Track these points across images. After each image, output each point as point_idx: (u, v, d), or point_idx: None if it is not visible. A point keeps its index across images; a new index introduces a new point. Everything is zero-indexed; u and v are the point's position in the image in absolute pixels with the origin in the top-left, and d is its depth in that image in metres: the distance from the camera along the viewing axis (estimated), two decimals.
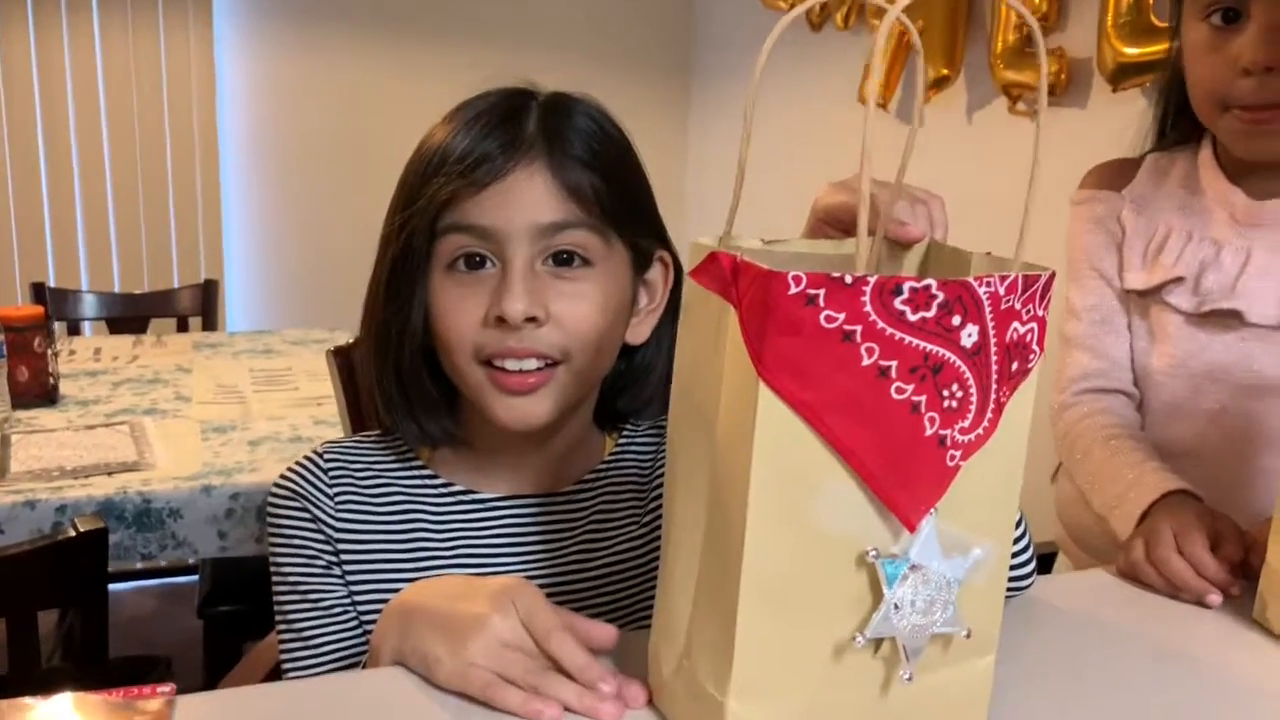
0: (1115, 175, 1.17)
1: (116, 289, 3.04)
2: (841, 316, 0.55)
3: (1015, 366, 0.60)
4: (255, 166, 3.30)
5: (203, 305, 2.82)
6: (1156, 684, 0.74)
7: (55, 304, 2.64)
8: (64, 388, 2.08)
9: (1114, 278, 1.14)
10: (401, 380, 0.83)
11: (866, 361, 0.56)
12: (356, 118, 3.30)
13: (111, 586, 2.76)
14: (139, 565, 2.63)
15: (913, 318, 0.55)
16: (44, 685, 0.69)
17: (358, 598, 0.83)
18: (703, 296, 0.60)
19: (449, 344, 0.80)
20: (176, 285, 3.04)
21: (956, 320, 0.56)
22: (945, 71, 2.65)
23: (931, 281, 0.55)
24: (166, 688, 0.65)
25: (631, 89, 3.54)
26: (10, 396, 1.94)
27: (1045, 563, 1.20)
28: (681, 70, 3.80)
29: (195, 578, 2.29)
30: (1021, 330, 0.60)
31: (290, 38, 3.25)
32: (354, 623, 0.83)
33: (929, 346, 0.56)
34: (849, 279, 0.54)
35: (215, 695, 0.68)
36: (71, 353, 2.38)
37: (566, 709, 0.64)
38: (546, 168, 0.78)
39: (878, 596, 0.59)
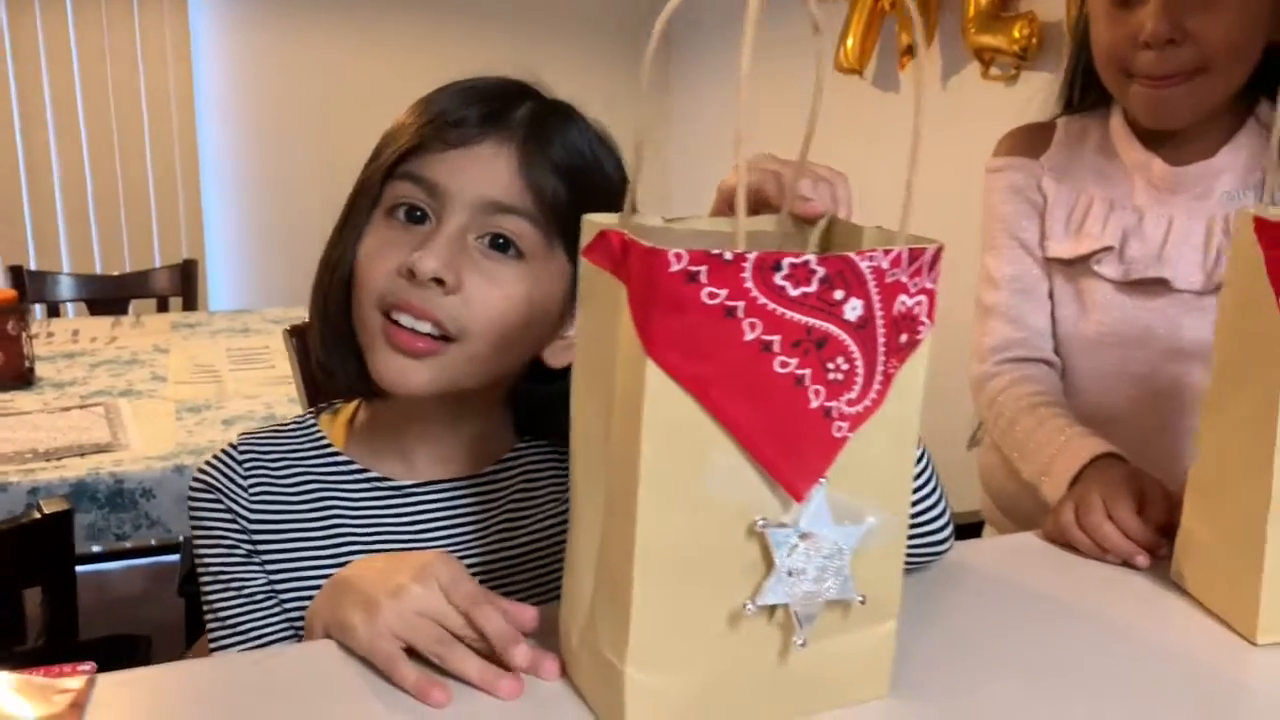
0: (1030, 142, 1.18)
1: (98, 270, 3.05)
2: (723, 293, 0.56)
3: (904, 339, 0.61)
4: (234, 144, 3.30)
5: (182, 285, 2.83)
6: (1069, 644, 0.75)
7: (34, 287, 2.65)
8: (41, 370, 2.09)
9: (1035, 247, 1.15)
10: (328, 316, 0.83)
11: (749, 336, 0.57)
12: (336, 94, 3.30)
13: (98, 566, 2.81)
14: (129, 544, 2.66)
15: (793, 293, 0.57)
16: (22, 664, 0.70)
17: (279, 586, 0.84)
18: (597, 274, 0.62)
19: (360, 285, 0.80)
20: (158, 265, 3.05)
21: (839, 295, 0.58)
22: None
23: (810, 257, 0.56)
24: (86, 666, 0.67)
25: (602, 60, 3.53)
26: None
27: (971, 533, 1.22)
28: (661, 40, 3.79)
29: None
30: (909, 303, 0.61)
31: (267, 15, 3.24)
32: (277, 609, 0.84)
33: (811, 321, 0.57)
34: (729, 256, 0.55)
35: (133, 674, 0.69)
36: (50, 335, 2.40)
37: (468, 682, 0.66)
38: (517, 154, 0.79)
39: (770, 565, 0.60)
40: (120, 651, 1.64)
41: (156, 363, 2.21)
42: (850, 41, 2.82)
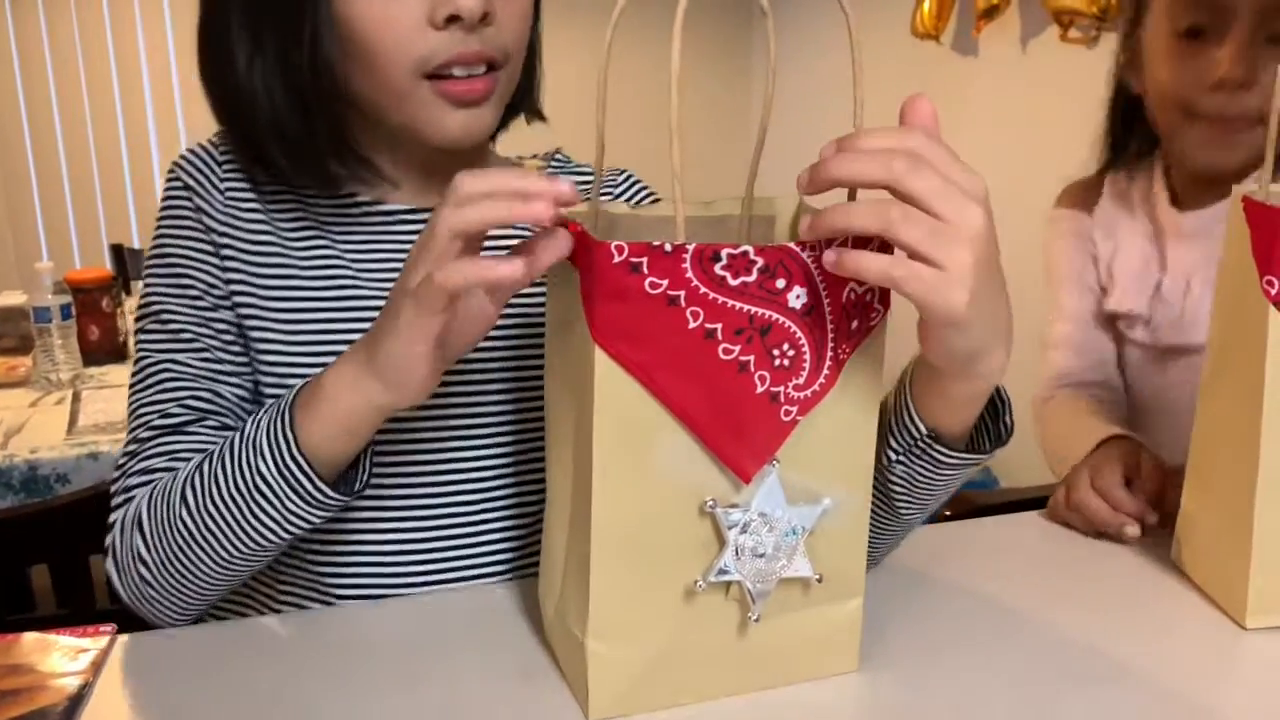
0: (1084, 198, 1.19)
1: None
2: (665, 283, 0.58)
3: (856, 324, 0.62)
4: None
5: None
6: (1053, 624, 0.75)
7: (135, 264, 2.79)
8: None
9: (1096, 288, 1.17)
10: (310, 113, 0.75)
11: (693, 325, 0.59)
12: None
13: None
14: None
15: (734, 282, 0.58)
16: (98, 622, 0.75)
17: (243, 310, 0.79)
18: (562, 261, 0.64)
19: (378, 56, 0.72)
20: None
21: (781, 284, 0.59)
22: (996, 1, 2.58)
23: (749, 248, 0.58)
24: (108, 627, 0.72)
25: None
26: (81, 354, 2.08)
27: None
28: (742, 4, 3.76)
29: None
30: (860, 290, 0.62)
31: None
32: (220, 332, 0.79)
33: (754, 309, 0.59)
34: (669, 247, 0.57)
35: (153, 635, 0.75)
36: None
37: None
38: None
39: (723, 543, 0.62)
40: None
41: None
42: (926, 6, 2.76)
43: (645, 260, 0.57)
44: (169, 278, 0.81)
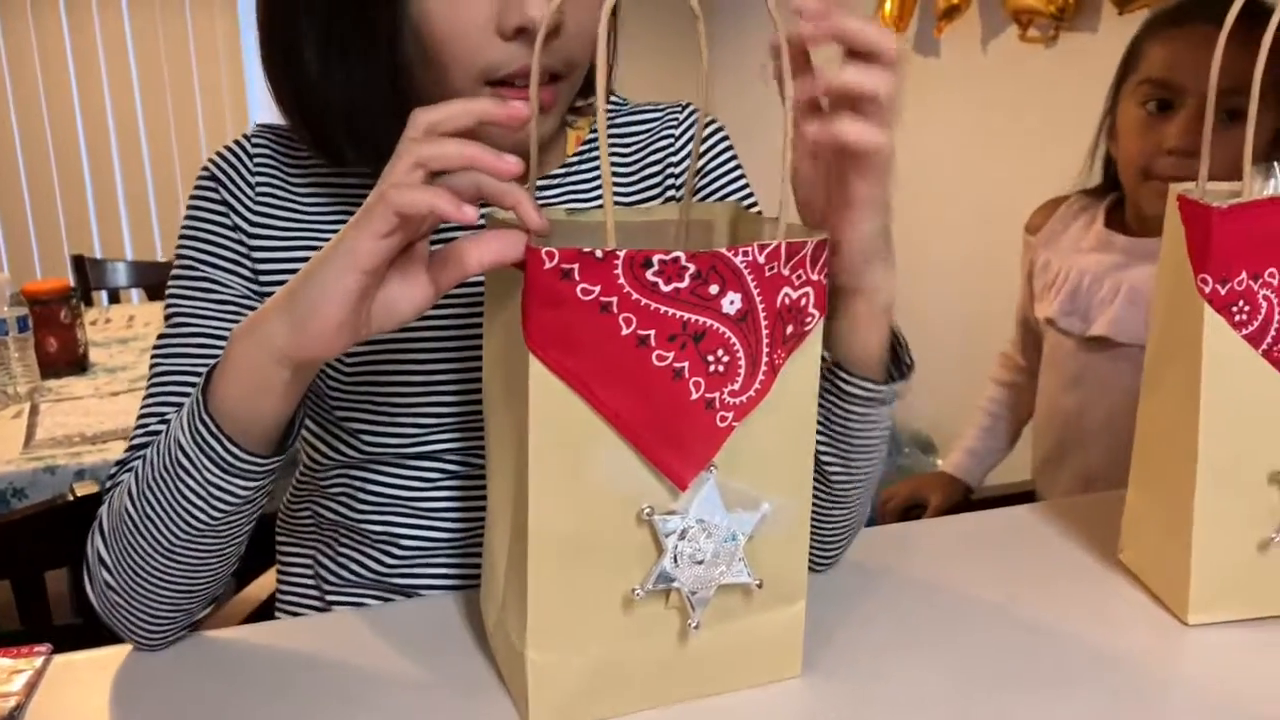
0: (1041, 216, 1.44)
1: (159, 258, 3.17)
2: (597, 289, 0.57)
3: (790, 330, 0.62)
4: None
5: None
6: (997, 627, 0.76)
7: (95, 274, 2.76)
8: (95, 356, 2.19)
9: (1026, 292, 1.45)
10: (382, 111, 0.72)
11: (625, 331, 0.58)
12: None
13: None
14: None
15: (666, 288, 0.58)
16: (56, 640, 0.74)
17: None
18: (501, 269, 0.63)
19: (445, 60, 0.71)
20: None
21: (714, 289, 0.59)
22: (956, 0, 2.59)
23: (681, 254, 0.58)
24: (43, 648, 0.71)
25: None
26: (40, 367, 2.05)
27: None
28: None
29: None
30: (794, 295, 0.61)
31: None
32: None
33: (686, 315, 0.59)
34: (600, 253, 0.57)
35: (90, 654, 0.74)
36: (107, 321, 2.50)
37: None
38: None
39: (661, 551, 0.62)
40: None
41: None
42: (889, 5, 2.77)
43: (576, 267, 0.57)
44: (190, 281, 0.79)
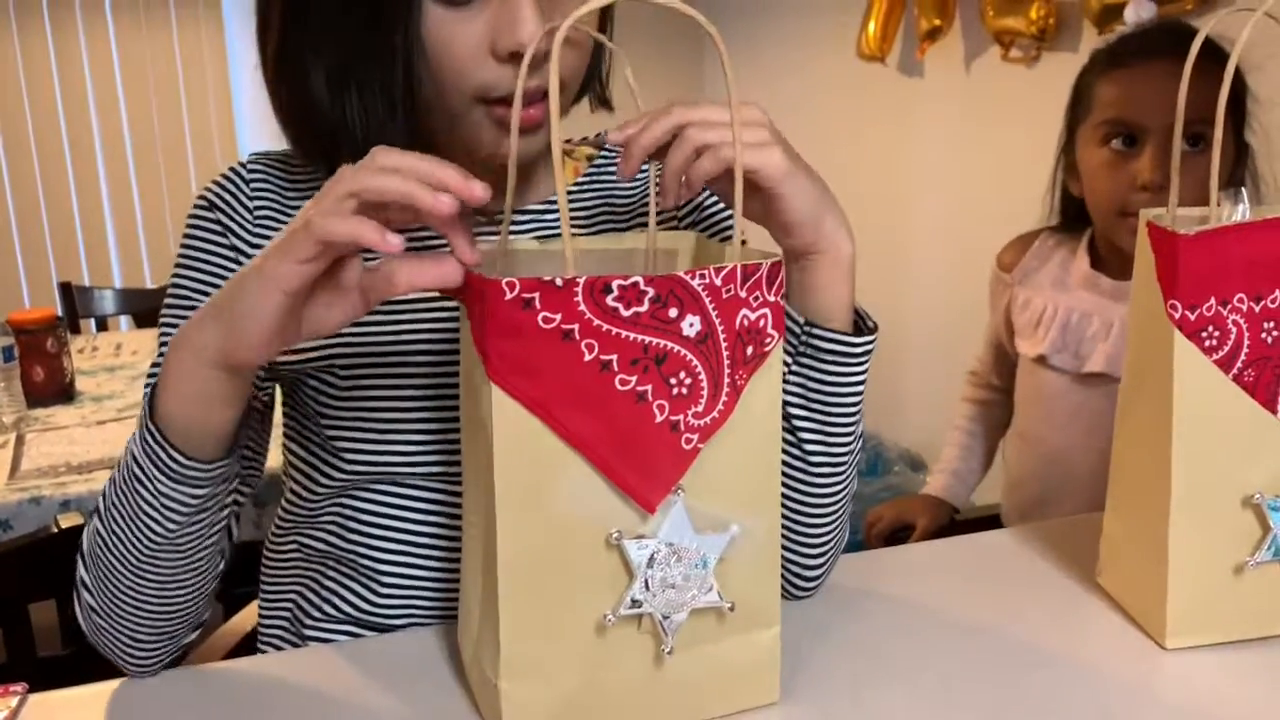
0: (1015, 252, 1.43)
1: (148, 285, 3.16)
2: (558, 317, 0.57)
3: (751, 351, 0.62)
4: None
5: None
6: (976, 652, 0.75)
7: (83, 302, 2.76)
8: (82, 384, 2.18)
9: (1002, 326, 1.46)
10: (390, 128, 0.73)
11: (588, 357, 0.58)
12: None
13: None
14: None
15: (626, 313, 0.58)
16: (41, 672, 0.74)
17: None
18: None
19: (439, 79, 0.72)
20: None
21: (674, 313, 0.59)
22: (938, 22, 2.61)
23: (639, 278, 0.58)
24: (19, 687, 0.71)
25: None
26: (26, 396, 2.05)
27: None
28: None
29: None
30: (753, 316, 0.62)
31: None
32: None
33: (647, 339, 0.59)
34: (559, 281, 0.57)
35: (66, 692, 0.73)
36: (94, 349, 2.50)
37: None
38: None
39: (631, 576, 0.62)
40: None
41: None
42: (872, 27, 2.79)
43: (537, 295, 0.57)
44: (186, 309, 0.80)
